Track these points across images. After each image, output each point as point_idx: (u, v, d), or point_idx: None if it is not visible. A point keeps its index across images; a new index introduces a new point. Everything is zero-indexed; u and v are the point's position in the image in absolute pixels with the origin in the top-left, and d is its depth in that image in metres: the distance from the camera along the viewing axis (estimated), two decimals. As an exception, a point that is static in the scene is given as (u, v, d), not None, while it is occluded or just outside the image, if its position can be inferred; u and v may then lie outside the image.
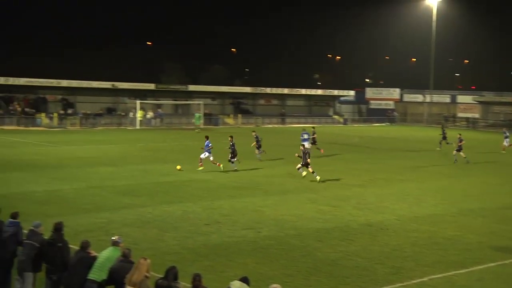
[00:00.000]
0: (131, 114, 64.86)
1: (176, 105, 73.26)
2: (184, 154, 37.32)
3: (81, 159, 33.15)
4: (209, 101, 74.78)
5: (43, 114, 60.75)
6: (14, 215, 12.35)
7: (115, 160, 32.97)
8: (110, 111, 67.94)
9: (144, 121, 64.54)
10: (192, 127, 63.86)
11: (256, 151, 34.74)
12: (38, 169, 28.67)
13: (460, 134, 37.84)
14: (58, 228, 11.59)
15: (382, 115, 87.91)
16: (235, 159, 30.15)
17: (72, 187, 23.92)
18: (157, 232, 16.87)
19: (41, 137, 46.93)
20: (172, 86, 74.64)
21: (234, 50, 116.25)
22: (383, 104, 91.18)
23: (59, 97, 66.09)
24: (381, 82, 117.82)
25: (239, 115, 75.26)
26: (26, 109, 60.67)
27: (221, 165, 29.37)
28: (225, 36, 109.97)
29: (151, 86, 71.20)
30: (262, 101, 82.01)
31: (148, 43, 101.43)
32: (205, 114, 69.14)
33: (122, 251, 10.55)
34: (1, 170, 27.75)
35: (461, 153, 36.25)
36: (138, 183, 25.42)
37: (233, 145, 30.30)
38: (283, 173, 29.72)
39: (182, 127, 63.34)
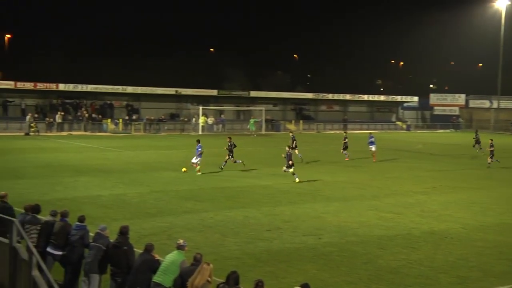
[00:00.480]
0: (193, 120, 65.70)
1: (238, 111, 73.77)
2: (246, 159, 37.46)
3: (145, 164, 33.80)
4: (270, 107, 74.96)
5: (109, 120, 62.32)
6: (81, 219, 12.73)
7: (178, 165, 33.39)
8: (173, 116, 69.05)
9: (206, 127, 65.27)
10: (263, 133, 64.15)
11: (296, 151, 35.48)
12: (104, 173, 29.40)
13: (491, 140, 37.36)
14: (123, 232, 11.85)
15: (446, 121, 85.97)
16: (231, 158, 31.45)
17: (136, 191, 24.40)
18: (218, 237, 17.00)
19: (107, 142, 48.15)
20: (234, 92, 75.24)
21: (296, 56, 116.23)
22: (447, 110, 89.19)
23: (124, 103, 67.66)
24: (446, 88, 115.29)
25: (301, 121, 75.14)
26: (93, 115, 62.36)
27: (200, 172, 29.84)
28: (287, 42, 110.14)
29: (214, 92, 71.99)
30: (323, 107, 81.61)
31: (211, 49, 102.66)
32: (266, 120, 69.35)
33: (194, 256, 10.66)
34: (70, 174, 28.61)
35: (490, 159, 36.53)
36: (200, 188, 25.68)
37: (231, 145, 31.67)
38: (344, 179, 29.47)
39: (244, 133, 63.71)
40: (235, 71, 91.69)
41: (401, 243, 16.88)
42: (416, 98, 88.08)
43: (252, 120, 66.24)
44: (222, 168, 31.30)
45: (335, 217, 20.20)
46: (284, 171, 28.42)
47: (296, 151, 35.60)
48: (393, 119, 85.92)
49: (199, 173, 29.72)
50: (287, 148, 28.78)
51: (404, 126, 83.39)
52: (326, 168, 33.90)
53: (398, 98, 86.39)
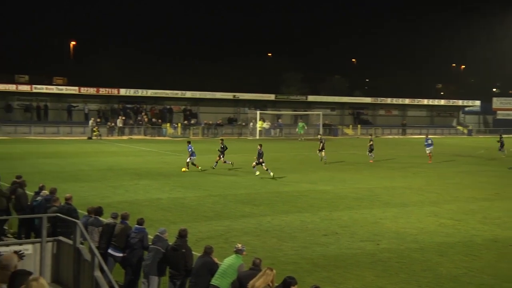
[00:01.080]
0: (251, 124, 66.03)
1: (296, 115, 73.71)
2: (302, 165, 37.50)
3: (203, 168, 34.12)
4: (328, 111, 74.62)
5: (168, 124, 63.32)
6: (140, 222, 12.98)
7: (237, 170, 33.65)
8: (231, 121, 69.59)
9: (264, 131, 65.45)
10: (311, 137, 63.95)
11: (322, 153, 37.67)
12: (163, 177, 29.89)
13: None
14: (182, 235, 12.01)
15: (510, 125, 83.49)
16: (222, 159, 33.64)
17: (195, 195, 24.69)
18: (275, 242, 17.02)
19: (165, 146, 48.92)
20: (291, 97, 75.24)
21: (354, 60, 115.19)
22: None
23: (183, 107, 68.63)
24: (511, 92, 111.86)
25: (359, 126, 74.42)
26: (153, 120, 63.48)
27: (185, 170, 32.02)
28: (346, 46, 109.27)
29: (271, 97, 72.20)
30: (382, 112, 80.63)
31: (268, 54, 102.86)
32: (324, 125, 69.01)
33: (253, 260, 10.69)
34: (130, 178, 29.22)
35: None
36: (258, 192, 25.81)
37: (223, 147, 33.78)
38: (403, 184, 29.02)
39: (302, 138, 63.53)
40: (292, 75, 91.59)
41: (462, 250, 16.48)
42: (478, 102, 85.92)
43: (300, 124, 66.05)
44: (214, 168, 33.22)
45: (394, 223, 19.90)
46: (253, 166, 31.18)
47: (323, 153, 37.54)
48: (454, 123, 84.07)
49: (199, 168, 32.33)
50: (258, 147, 31.56)
51: (465, 131, 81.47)
52: (384, 173, 33.49)
53: (459, 102, 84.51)
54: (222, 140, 35.28)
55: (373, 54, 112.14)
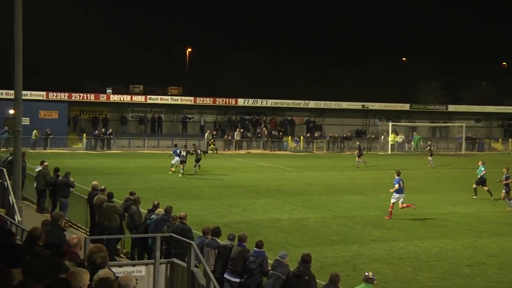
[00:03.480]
0: (382, 138, 65.09)
1: (434, 127, 71.82)
2: (441, 183, 36.46)
3: (328, 186, 34.10)
4: (472, 123, 72.10)
5: (289, 137, 63.79)
6: (260, 244, 13.12)
7: (363, 188, 33.33)
8: (359, 134, 69.00)
9: (397, 145, 64.33)
10: (452, 152, 62.03)
11: (360, 158, 43.82)
12: (283, 195, 30.14)
13: None
14: (306, 260, 12.01)
15: None
16: (198, 163, 37.76)
17: (318, 216, 24.69)
18: (410, 271, 16.65)
19: (286, 161, 49.31)
20: (429, 107, 73.44)
21: (505, 64, 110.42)
22: None
23: (306, 119, 68.92)
24: None
25: (510, 140, 71.12)
26: (273, 132, 64.15)
27: (173, 170, 37.22)
28: (493, 47, 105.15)
29: (405, 107, 70.88)
30: (539, 123, 76.69)
31: (402, 58, 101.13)
32: (467, 138, 66.70)
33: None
34: (248, 196, 29.71)
35: None
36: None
37: (195, 150, 38.04)
38: None
39: (441, 153, 61.78)
40: (430, 83, 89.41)
41: None
42: None
43: (417, 137, 64.14)
44: (195, 172, 37.22)
45: (552, 253, 18.84)
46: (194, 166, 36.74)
47: (360, 158, 44.20)
48: None
49: (180, 175, 35.73)
50: (199, 151, 38.00)
51: None
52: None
53: None
54: (359, 142, 40.49)
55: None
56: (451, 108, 73.08)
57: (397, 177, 25.35)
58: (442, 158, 55.55)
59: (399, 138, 65.91)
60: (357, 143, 43.85)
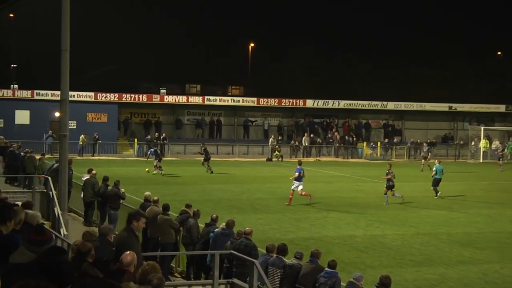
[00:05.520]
0: (472, 144, 63.97)
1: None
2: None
3: (409, 198, 33.67)
4: None
5: (364, 143, 63.29)
6: (332, 264, 13.07)
7: (451, 202, 32.85)
8: (445, 139, 67.99)
9: (490, 153, 63.06)
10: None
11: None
12: (357, 209, 29.96)
13: None
14: (385, 283, 11.95)
15: None
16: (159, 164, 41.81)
17: (397, 232, 24.46)
18: (506, 298, 16.33)
19: (361, 170, 48.97)
20: (530, 108, 71.83)
21: None
22: None
23: (383, 122, 68.28)
24: None
25: None
26: (346, 137, 63.77)
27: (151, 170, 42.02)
28: None
29: (500, 108, 69.45)
30: None
31: (497, 53, 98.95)
32: None
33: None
34: (317, 209, 29.67)
35: None
36: (481, 232, 25.05)
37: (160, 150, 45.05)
38: None
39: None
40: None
41: None
42: None
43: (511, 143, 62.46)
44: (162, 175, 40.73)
45: None
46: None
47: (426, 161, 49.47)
48: None
49: (153, 173, 41.14)
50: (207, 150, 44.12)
51: None
52: None
53: None
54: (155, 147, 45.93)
55: None
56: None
57: (298, 167, 31.44)
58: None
59: (494, 144, 64.54)
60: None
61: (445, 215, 28.77)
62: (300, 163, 32.74)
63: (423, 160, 51.51)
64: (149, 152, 47.17)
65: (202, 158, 44.93)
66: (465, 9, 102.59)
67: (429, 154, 53.27)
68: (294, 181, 30.95)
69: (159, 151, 43.99)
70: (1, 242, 7.76)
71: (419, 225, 26.06)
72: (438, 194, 34.36)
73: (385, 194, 32.02)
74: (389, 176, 32.31)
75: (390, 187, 32.11)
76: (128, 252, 8.79)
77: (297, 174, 30.89)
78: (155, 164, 41.95)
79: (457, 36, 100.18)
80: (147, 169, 42.60)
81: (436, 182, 34.92)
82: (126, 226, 11.85)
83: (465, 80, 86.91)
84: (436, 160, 37.49)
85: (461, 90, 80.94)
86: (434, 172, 35.37)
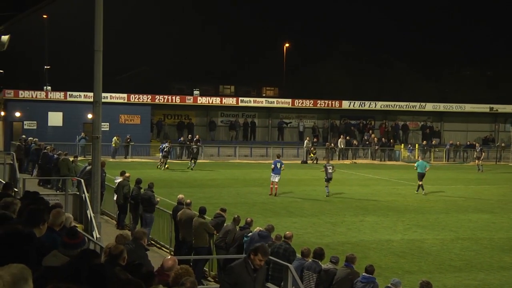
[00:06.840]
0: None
1: None
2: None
3: (447, 202, 33.44)
4: None
5: (401, 146, 62.93)
6: (370, 269, 13.00)
7: (492, 205, 32.52)
8: (486, 141, 67.29)
9: (532, 156, 62.35)
10: None
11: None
12: (395, 212, 29.78)
13: None
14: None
15: None
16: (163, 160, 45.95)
17: (437, 237, 24.28)
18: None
19: (399, 173, 48.65)
20: None
21: None
22: None
23: (421, 124, 67.81)
24: None
25: None
26: (383, 139, 63.43)
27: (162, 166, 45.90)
28: None
29: (548, 108, 68.65)
30: None
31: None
32: None
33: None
34: (353, 212, 29.56)
35: None
36: (523, 237, 24.74)
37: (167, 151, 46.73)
38: None
39: None
40: None
41: None
42: None
43: None
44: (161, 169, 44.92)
45: None
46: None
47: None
48: None
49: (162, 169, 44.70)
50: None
51: None
52: None
53: None
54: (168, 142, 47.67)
55: None
56: None
57: (277, 159, 35.65)
58: None
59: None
60: (477, 145, 44.69)
61: (486, 220, 28.48)
62: (278, 155, 37.53)
63: (477, 161, 52.10)
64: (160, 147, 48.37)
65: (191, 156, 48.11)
66: (509, 8, 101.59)
67: (482, 154, 53.33)
68: (271, 173, 34.40)
69: (168, 149, 46.72)
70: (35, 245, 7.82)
71: (459, 230, 25.84)
72: (423, 191, 35.89)
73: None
74: None
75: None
76: (169, 257, 8.83)
77: (273, 166, 34.68)
78: (162, 161, 46.16)
79: (499, 36, 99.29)
80: (166, 166, 45.95)
81: (420, 177, 36.63)
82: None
83: (507, 80, 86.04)
84: (419, 157, 40.53)
85: (502, 91, 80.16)
86: (415, 168, 37.61)
